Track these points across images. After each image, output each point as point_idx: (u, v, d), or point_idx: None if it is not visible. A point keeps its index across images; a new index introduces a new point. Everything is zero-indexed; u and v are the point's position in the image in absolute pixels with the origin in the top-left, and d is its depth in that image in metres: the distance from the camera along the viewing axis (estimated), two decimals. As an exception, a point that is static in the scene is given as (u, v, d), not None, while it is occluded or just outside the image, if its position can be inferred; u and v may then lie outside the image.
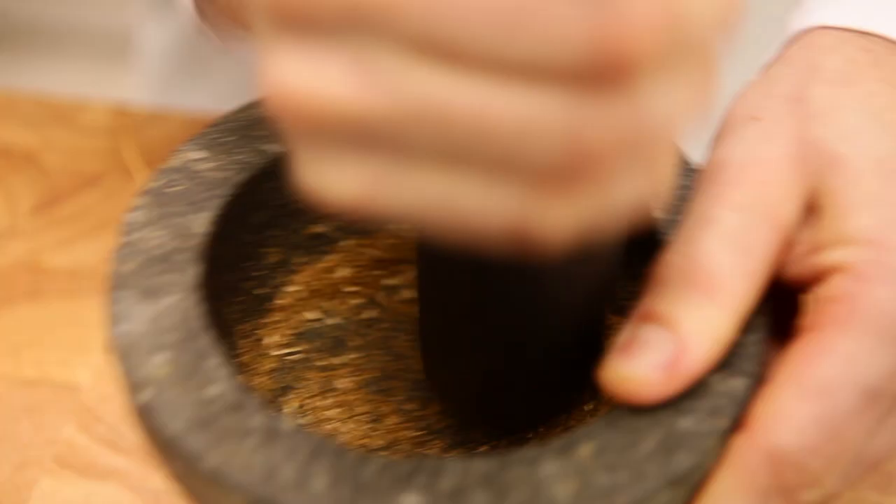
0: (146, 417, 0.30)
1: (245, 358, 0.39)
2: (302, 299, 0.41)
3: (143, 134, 0.57)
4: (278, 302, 0.40)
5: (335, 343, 0.41)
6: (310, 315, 0.41)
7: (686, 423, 0.29)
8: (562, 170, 0.23)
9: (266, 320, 0.40)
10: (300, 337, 0.41)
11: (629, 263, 0.37)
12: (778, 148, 0.32)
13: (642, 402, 0.29)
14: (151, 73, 0.68)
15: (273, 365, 0.40)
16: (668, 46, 0.22)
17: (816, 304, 0.31)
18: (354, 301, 0.42)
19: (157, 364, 0.30)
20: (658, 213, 0.35)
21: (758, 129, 0.33)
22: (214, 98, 0.62)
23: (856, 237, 0.31)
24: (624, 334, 0.30)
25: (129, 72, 0.65)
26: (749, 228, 0.31)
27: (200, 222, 0.34)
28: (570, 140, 0.22)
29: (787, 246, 0.31)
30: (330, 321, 0.41)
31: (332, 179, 0.24)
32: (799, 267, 0.32)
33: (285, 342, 0.40)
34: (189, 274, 0.33)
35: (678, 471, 0.28)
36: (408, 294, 0.42)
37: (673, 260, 0.31)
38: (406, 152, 0.23)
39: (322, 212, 0.24)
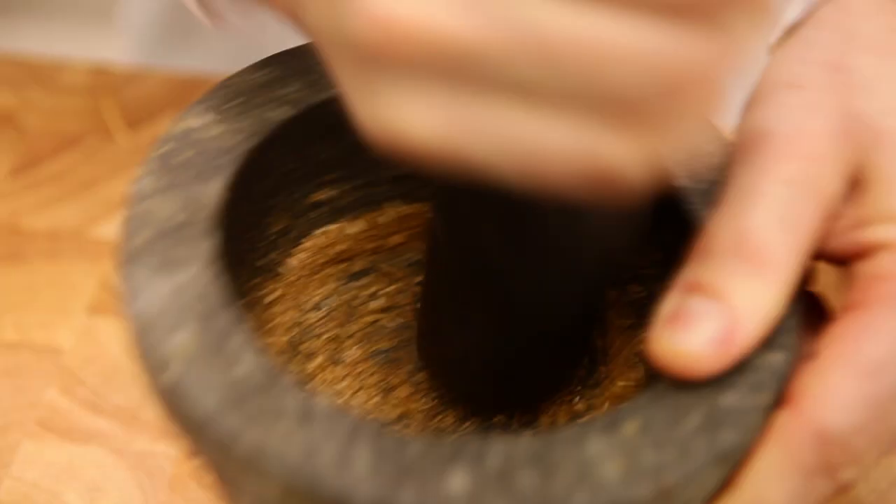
0: (173, 397, 0.28)
1: (257, 327, 0.38)
2: (307, 270, 0.41)
3: (124, 94, 0.56)
4: (282, 272, 0.40)
5: (342, 314, 0.41)
6: (315, 286, 0.41)
7: (729, 398, 0.29)
8: (651, 100, 0.23)
9: (270, 291, 0.40)
10: (306, 308, 0.40)
11: (654, 231, 0.37)
12: (822, 120, 0.31)
13: (693, 376, 0.29)
14: (137, 33, 0.67)
15: (279, 337, 0.39)
16: None
17: (862, 281, 0.30)
18: (360, 269, 0.41)
19: (180, 342, 0.29)
20: (679, 172, 0.34)
21: (799, 98, 0.32)
22: (200, 59, 0.61)
23: None
24: (670, 304, 0.29)
25: (112, 32, 0.64)
26: (797, 204, 0.30)
27: (210, 192, 0.33)
28: (663, 68, 0.22)
29: (830, 221, 0.31)
30: (336, 292, 0.41)
31: (412, 117, 0.23)
32: (841, 241, 0.31)
33: (290, 314, 0.40)
34: (203, 247, 0.31)
35: (724, 447, 0.28)
36: (415, 260, 0.42)
37: (720, 231, 0.30)
38: (497, 87, 0.23)
39: (393, 157, 0.24)
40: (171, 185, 0.33)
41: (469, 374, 0.37)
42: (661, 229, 0.35)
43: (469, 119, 0.23)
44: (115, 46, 0.65)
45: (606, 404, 0.37)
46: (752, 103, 0.33)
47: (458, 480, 0.27)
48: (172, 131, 0.35)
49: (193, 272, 0.31)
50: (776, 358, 0.30)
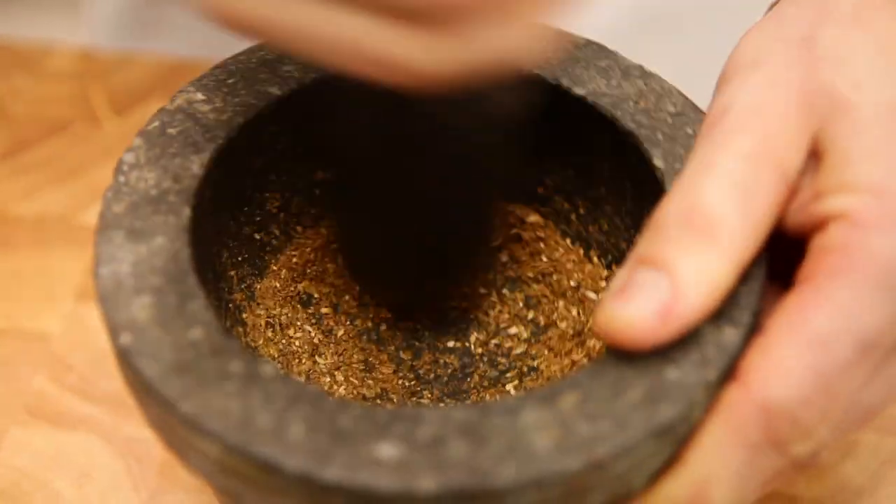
0: (125, 360, 0.29)
1: (240, 303, 0.38)
2: (301, 246, 0.40)
3: (111, 79, 0.56)
4: (277, 247, 0.40)
5: (331, 291, 0.41)
6: (308, 263, 0.41)
7: (672, 373, 0.29)
8: (433, 9, 0.25)
9: (263, 266, 0.40)
10: (296, 284, 0.40)
11: (630, 212, 0.37)
12: (784, 93, 0.31)
13: (634, 347, 0.29)
14: (113, 15, 0.66)
15: (266, 312, 0.39)
16: None
17: (814, 254, 0.30)
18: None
19: (140, 306, 0.30)
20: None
21: (764, 73, 0.32)
22: (183, 42, 0.60)
23: (857, 184, 0.30)
24: (619, 277, 0.30)
25: (91, 14, 0.64)
26: (753, 175, 0.30)
27: (198, 163, 0.33)
28: None
29: (792, 194, 0.31)
30: (327, 271, 0.41)
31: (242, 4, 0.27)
32: (799, 216, 0.31)
33: (281, 290, 0.40)
34: (183, 215, 0.32)
35: (662, 421, 0.28)
36: None
37: (672, 204, 0.30)
38: None
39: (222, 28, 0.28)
40: (159, 156, 0.34)
41: (389, 269, 0.39)
42: (642, 212, 0.35)
43: (282, 7, 0.27)
44: (94, 28, 0.64)
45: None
46: (718, 84, 0.33)
47: (388, 449, 0.27)
48: (170, 105, 0.35)
49: (166, 239, 0.31)
50: (727, 333, 0.29)
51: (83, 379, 0.44)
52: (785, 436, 0.29)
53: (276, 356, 0.39)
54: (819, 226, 0.30)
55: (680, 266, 0.29)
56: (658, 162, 0.34)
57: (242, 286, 0.38)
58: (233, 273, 0.38)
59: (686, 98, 0.36)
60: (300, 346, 0.40)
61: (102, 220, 0.32)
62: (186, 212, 0.32)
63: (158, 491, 0.41)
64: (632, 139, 0.35)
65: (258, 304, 0.39)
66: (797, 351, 0.28)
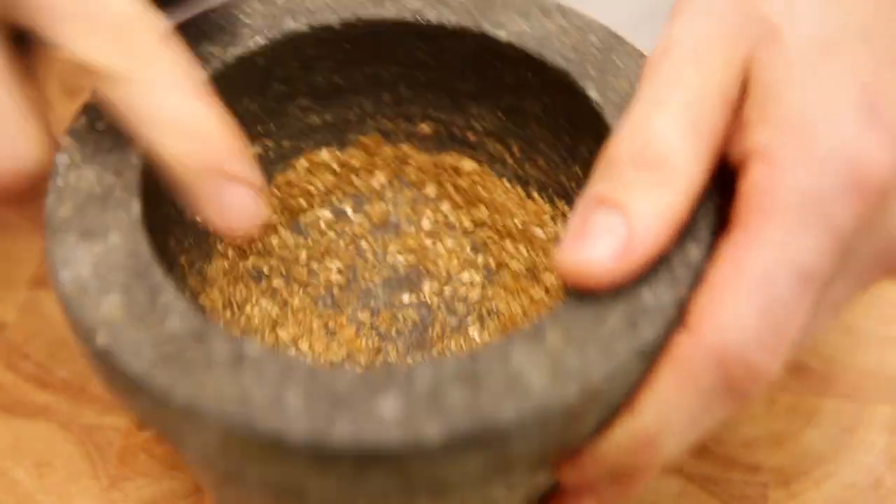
0: (106, 361, 0.29)
1: (194, 288, 0.38)
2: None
3: (62, 62, 0.55)
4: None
5: (279, 263, 0.41)
6: (252, 239, 0.40)
7: (646, 296, 0.30)
8: None
9: (209, 249, 0.39)
10: (244, 262, 0.40)
11: (568, 147, 0.37)
12: (722, 25, 0.31)
13: (598, 288, 0.30)
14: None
15: (221, 293, 0.39)
16: None
17: (742, 196, 0.30)
18: (299, 219, 0.42)
19: (110, 305, 0.30)
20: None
21: (703, 7, 0.32)
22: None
23: (777, 119, 0.30)
24: (575, 219, 0.30)
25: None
26: (698, 107, 0.30)
27: (135, 154, 0.33)
28: None
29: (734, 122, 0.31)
30: (271, 243, 0.41)
31: None
32: (730, 147, 0.31)
33: (230, 269, 0.40)
34: (132, 209, 0.32)
35: (644, 343, 0.29)
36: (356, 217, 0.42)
37: (623, 141, 0.30)
38: None
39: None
40: (95, 151, 0.33)
41: None
42: (579, 144, 0.37)
43: None
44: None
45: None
46: (664, 25, 0.33)
47: (389, 404, 0.28)
48: (91, 100, 0.35)
49: (121, 235, 0.31)
50: (691, 250, 0.30)
51: (40, 367, 0.43)
52: (739, 379, 0.29)
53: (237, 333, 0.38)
54: (744, 159, 0.31)
55: (635, 205, 0.29)
56: (592, 93, 0.35)
57: (193, 271, 0.38)
58: (182, 259, 0.38)
59: (609, 30, 0.36)
60: (259, 323, 0.40)
61: (50, 226, 0.31)
62: (136, 205, 0.32)
63: (119, 478, 0.40)
64: (562, 76, 0.35)
65: (212, 286, 0.39)
66: (742, 294, 0.29)
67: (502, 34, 0.36)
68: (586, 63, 0.35)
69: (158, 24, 0.31)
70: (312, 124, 0.40)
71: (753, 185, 0.30)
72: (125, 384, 0.29)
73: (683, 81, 0.31)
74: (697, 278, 0.30)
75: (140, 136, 0.31)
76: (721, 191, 0.31)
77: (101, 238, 0.31)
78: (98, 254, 0.31)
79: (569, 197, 0.39)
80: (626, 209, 0.29)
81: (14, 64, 0.33)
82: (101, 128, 0.34)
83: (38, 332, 0.44)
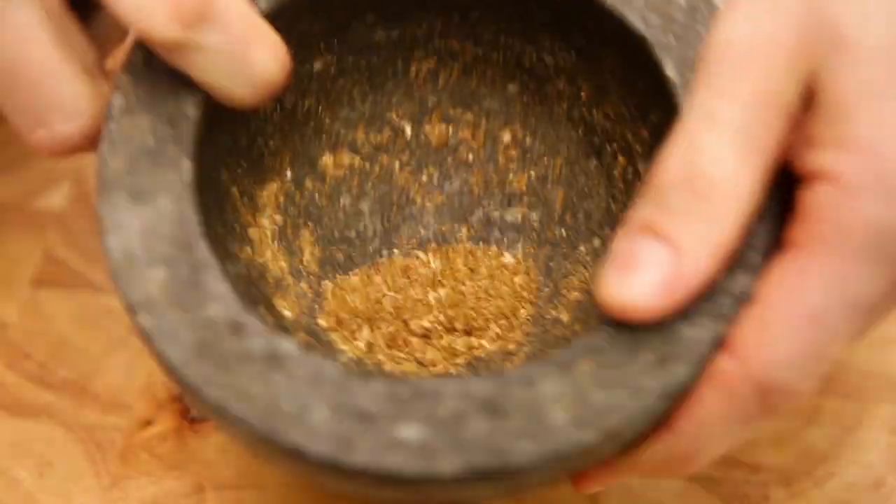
0: (148, 341, 0.30)
1: (245, 220, 0.38)
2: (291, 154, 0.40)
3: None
4: (274, 149, 0.39)
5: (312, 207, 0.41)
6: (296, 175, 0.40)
7: (687, 330, 0.29)
8: None
9: (262, 171, 0.39)
10: (290, 194, 0.40)
11: (643, 109, 0.36)
12: (787, 25, 0.29)
13: (640, 321, 0.29)
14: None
15: (270, 220, 0.39)
16: None
17: (804, 216, 0.29)
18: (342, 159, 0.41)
19: (154, 281, 0.30)
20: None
21: (766, 4, 0.30)
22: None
23: (847, 141, 0.29)
24: (619, 245, 0.29)
25: None
26: (756, 124, 0.29)
27: (192, 103, 0.32)
28: None
29: (793, 131, 0.30)
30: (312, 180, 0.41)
31: None
32: (791, 156, 0.30)
33: (282, 188, 0.40)
34: (183, 170, 0.31)
35: (675, 383, 0.29)
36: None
37: (672, 163, 0.29)
38: None
39: None
40: (149, 94, 0.32)
41: None
42: (650, 108, 0.36)
43: None
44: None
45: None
46: (721, 12, 0.31)
47: (412, 432, 0.28)
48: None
49: (169, 201, 0.31)
50: (739, 280, 0.30)
51: (41, 366, 0.43)
52: (779, 404, 0.29)
53: (285, 269, 0.38)
54: (808, 177, 0.29)
55: (683, 237, 0.28)
56: (670, 71, 0.33)
57: (245, 199, 0.38)
58: (234, 189, 0.37)
59: None
60: (307, 261, 0.39)
61: (101, 179, 0.31)
62: (186, 165, 0.31)
63: (120, 477, 0.40)
64: (642, 44, 0.34)
65: (262, 213, 0.38)
66: (794, 329, 0.29)
67: None
68: (668, 30, 0.34)
69: None
70: (378, 41, 0.39)
71: (818, 208, 0.29)
72: (164, 367, 0.30)
73: (742, 92, 0.29)
74: (743, 307, 0.29)
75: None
76: (776, 194, 0.30)
77: (150, 201, 0.31)
78: (146, 220, 0.31)
79: (631, 158, 0.37)
80: (674, 241, 0.28)
81: (65, 19, 0.33)
82: (158, 64, 0.32)
83: (39, 332, 0.44)
